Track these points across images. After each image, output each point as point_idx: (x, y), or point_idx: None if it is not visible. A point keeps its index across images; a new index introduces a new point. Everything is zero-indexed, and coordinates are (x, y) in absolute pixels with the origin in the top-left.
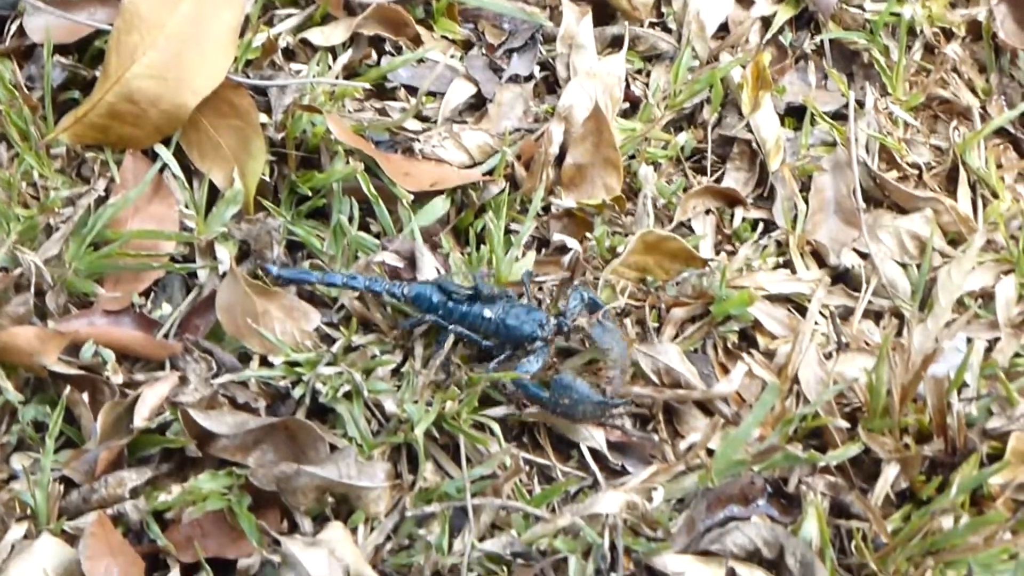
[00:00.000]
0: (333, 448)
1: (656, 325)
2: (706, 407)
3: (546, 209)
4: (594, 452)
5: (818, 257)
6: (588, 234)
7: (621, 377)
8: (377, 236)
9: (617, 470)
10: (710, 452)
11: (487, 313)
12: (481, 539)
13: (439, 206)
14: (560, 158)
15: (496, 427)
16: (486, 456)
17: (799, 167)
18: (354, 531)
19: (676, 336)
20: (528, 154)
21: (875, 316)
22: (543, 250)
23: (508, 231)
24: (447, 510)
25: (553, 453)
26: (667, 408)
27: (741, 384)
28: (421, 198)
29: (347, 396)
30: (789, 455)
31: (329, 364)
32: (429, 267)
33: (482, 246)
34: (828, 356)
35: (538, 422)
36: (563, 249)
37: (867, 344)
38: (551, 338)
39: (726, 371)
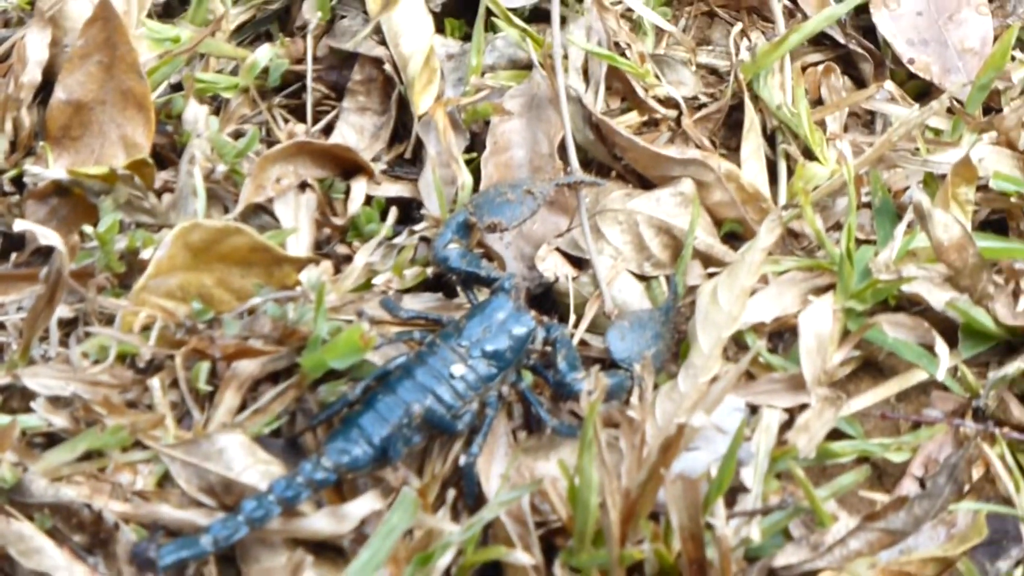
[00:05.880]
0: None
1: (209, 390)
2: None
3: (17, 182)
4: None
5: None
6: (88, 228)
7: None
8: None
9: None
10: None
11: (457, 370)
12: None
13: None
14: (44, 91)
15: None
16: None
17: (468, 107)
18: None
19: (241, 408)
20: None
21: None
22: (13, 255)
23: None
24: None
25: None
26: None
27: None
28: None
29: None
30: None
31: None
32: None
33: None
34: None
35: None
36: (47, 253)
37: (575, 416)
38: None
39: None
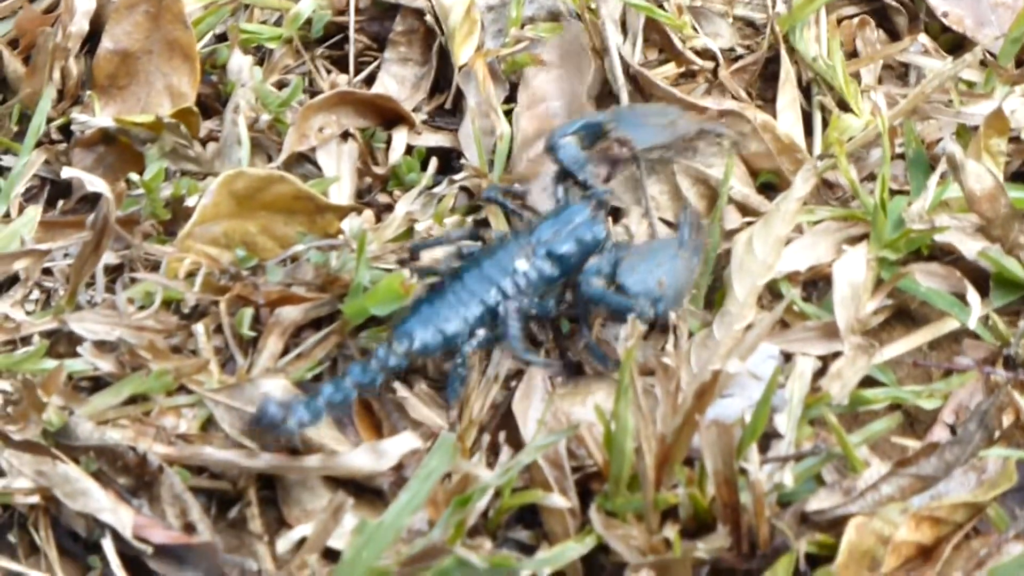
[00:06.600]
0: None
1: (252, 335)
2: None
3: (65, 130)
4: (124, 557)
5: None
6: (135, 176)
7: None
8: None
9: None
10: (333, 554)
11: (520, 265)
12: None
13: None
14: (91, 41)
15: None
16: None
17: (506, 58)
18: None
19: (283, 354)
20: (31, 34)
21: None
22: (60, 202)
23: None
24: None
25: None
26: (265, 481)
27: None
28: None
29: None
30: (462, 561)
31: None
32: None
33: None
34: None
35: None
36: (93, 201)
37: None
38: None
39: (374, 421)
